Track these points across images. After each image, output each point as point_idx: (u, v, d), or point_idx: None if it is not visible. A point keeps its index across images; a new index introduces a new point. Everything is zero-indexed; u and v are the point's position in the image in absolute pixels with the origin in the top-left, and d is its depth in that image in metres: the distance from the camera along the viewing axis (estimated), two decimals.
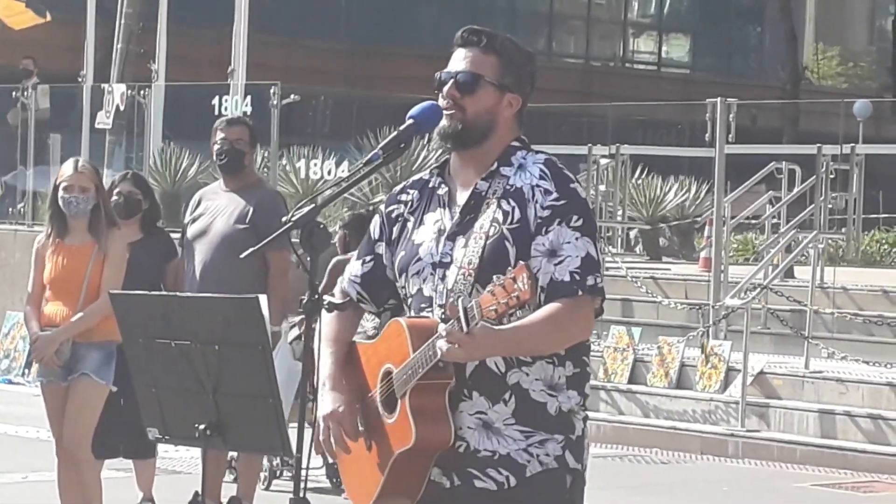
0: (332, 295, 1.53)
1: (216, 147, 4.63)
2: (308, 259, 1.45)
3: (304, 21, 22.82)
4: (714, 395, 7.61)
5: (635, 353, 8.08)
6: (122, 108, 11.69)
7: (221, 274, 4.27)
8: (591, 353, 1.58)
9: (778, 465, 6.91)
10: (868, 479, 6.44)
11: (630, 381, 8.02)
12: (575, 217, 1.33)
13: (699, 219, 11.96)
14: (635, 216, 12.57)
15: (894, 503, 6.31)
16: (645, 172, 12.91)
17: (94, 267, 3.80)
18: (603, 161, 11.75)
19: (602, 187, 11.73)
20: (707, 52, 29.70)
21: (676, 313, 9.07)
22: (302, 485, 1.45)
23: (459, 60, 1.40)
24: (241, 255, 1.82)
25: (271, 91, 10.66)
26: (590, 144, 12.09)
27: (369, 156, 1.47)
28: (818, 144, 10.65)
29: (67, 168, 4.00)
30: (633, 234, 13.40)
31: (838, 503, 6.24)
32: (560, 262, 1.30)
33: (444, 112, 1.38)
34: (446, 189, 1.44)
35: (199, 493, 3.89)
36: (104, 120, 11.96)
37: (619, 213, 12.06)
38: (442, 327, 1.21)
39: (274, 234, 1.57)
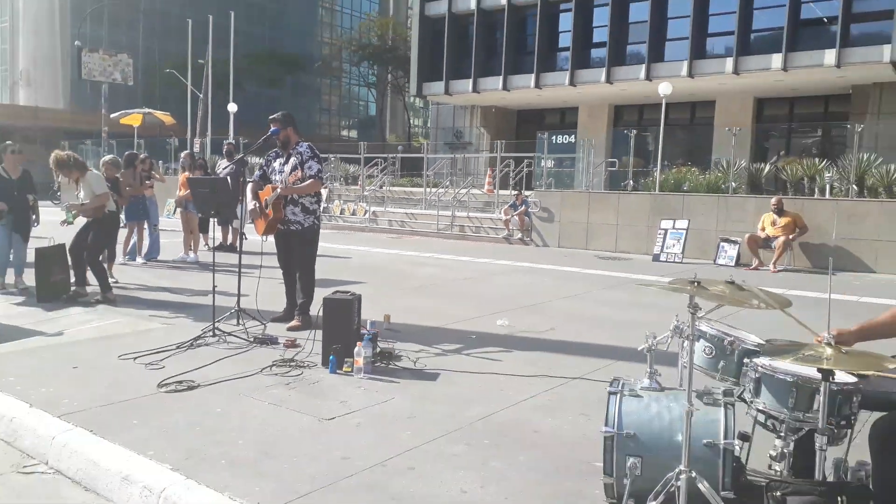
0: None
1: None
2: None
3: None
4: None
5: None
6: None
7: None
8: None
9: None
10: None
11: None
12: (315, 159, 6.25)
13: None
14: None
15: None
16: None
17: None
18: None
19: None
20: None
21: None
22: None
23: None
24: None
25: None
26: None
27: (265, 136, 6.34)
28: None
29: None
30: None
31: None
32: (310, 168, 6.18)
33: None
34: (281, 154, 6.30)
35: None
36: None
37: None
38: (280, 188, 6.08)
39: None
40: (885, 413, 2.46)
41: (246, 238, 7.31)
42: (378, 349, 5.17)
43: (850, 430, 2.64)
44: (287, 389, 4.51)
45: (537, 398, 4.48)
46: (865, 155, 13.42)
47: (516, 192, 16.47)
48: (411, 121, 58.37)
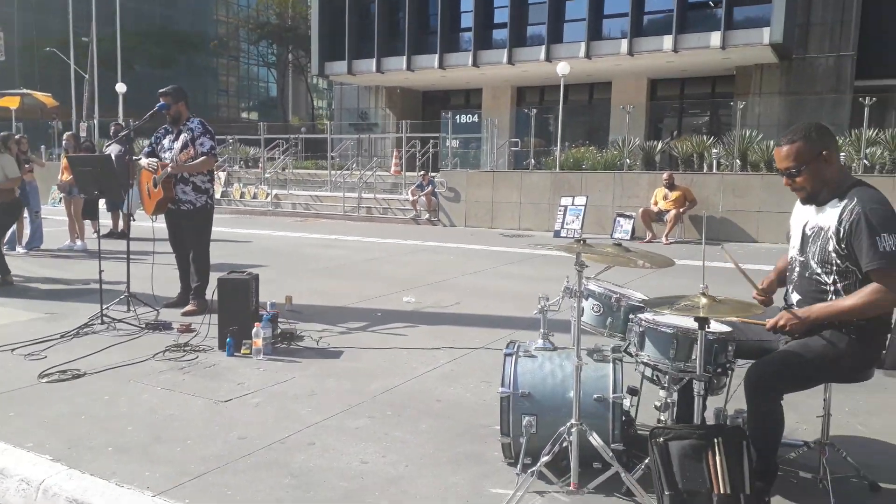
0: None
1: None
2: None
3: None
4: None
5: None
6: None
7: None
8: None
9: None
10: None
11: None
12: (208, 135, 5.94)
13: None
14: None
15: None
16: None
17: None
18: None
19: None
20: None
21: None
22: None
23: None
24: None
25: None
26: None
27: (152, 111, 5.95)
28: None
29: None
30: None
31: None
32: (202, 145, 5.92)
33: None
34: (171, 130, 5.96)
35: None
36: None
37: None
38: (171, 165, 5.80)
39: None
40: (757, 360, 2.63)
41: (134, 219, 6.93)
42: (279, 330, 5.05)
43: (728, 380, 2.81)
44: (181, 374, 4.33)
45: (440, 369, 4.51)
46: (748, 132, 14.27)
47: (423, 173, 16.48)
48: (315, 102, 57.14)
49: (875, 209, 2.45)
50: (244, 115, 65.99)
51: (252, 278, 4.98)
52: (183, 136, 5.92)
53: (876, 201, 2.49)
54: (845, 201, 2.55)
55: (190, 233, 6.04)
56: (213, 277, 5.68)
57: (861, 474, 2.93)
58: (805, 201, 2.67)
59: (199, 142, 5.91)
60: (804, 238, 2.71)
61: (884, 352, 4.57)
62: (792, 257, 2.77)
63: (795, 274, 2.73)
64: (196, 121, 6.01)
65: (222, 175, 19.77)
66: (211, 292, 5.35)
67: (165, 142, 6.05)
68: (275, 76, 57.48)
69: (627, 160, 14.44)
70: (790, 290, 2.75)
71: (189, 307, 5.93)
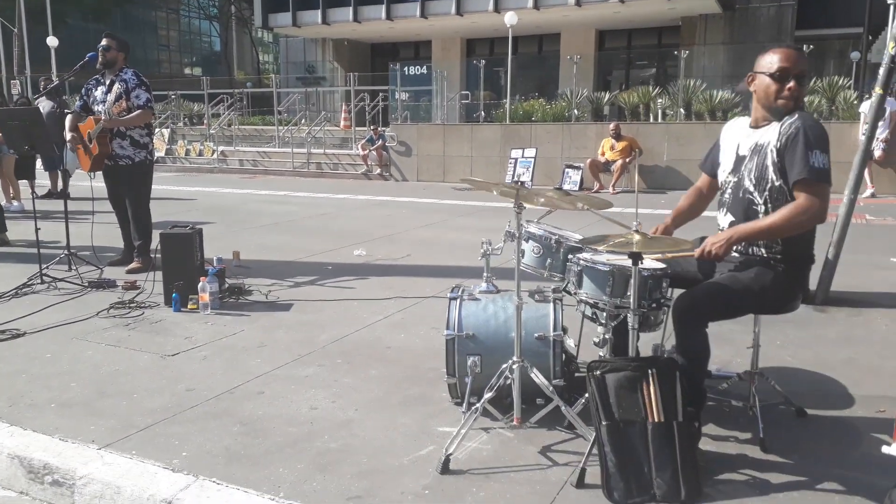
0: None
1: None
2: None
3: None
4: None
5: None
6: None
7: None
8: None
9: None
10: None
11: None
12: (143, 87, 5.71)
13: None
14: None
15: None
16: None
17: None
18: None
19: None
20: None
21: None
22: None
23: None
24: None
25: None
26: None
27: (83, 62, 5.66)
28: None
29: None
30: None
31: None
32: (138, 97, 5.69)
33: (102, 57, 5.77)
34: (104, 80, 5.72)
35: None
36: None
37: None
38: (104, 120, 5.60)
39: None
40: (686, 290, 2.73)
41: (71, 175, 6.70)
42: (226, 285, 5.00)
43: (665, 317, 2.91)
44: (126, 330, 4.27)
45: (391, 318, 4.55)
46: (692, 82, 14.47)
47: (373, 127, 16.27)
48: (260, 56, 55.41)
49: (813, 127, 2.53)
50: (187, 70, 63.59)
51: (196, 232, 4.89)
52: (116, 87, 5.69)
53: (815, 121, 2.57)
54: (787, 118, 2.61)
55: (129, 189, 5.87)
56: (157, 234, 5.58)
57: (788, 401, 3.11)
58: (779, 114, 2.64)
59: (134, 94, 5.70)
60: (738, 158, 2.78)
61: (813, 289, 4.79)
62: (723, 181, 2.85)
63: (727, 196, 2.81)
64: (130, 72, 5.78)
65: (166, 132, 19.15)
66: (154, 248, 5.24)
67: (97, 93, 5.81)
68: (218, 30, 55.38)
69: (576, 111, 14.52)
70: (723, 213, 2.82)
71: (133, 264, 5.80)
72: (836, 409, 3.14)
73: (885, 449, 2.10)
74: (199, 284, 4.61)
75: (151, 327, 4.33)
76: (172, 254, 4.77)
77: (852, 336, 4.19)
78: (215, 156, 18.04)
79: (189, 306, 4.65)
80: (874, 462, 2.46)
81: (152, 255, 5.61)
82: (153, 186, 6.08)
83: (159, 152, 18.60)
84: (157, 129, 19.20)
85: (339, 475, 2.53)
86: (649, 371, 2.46)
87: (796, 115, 2.59)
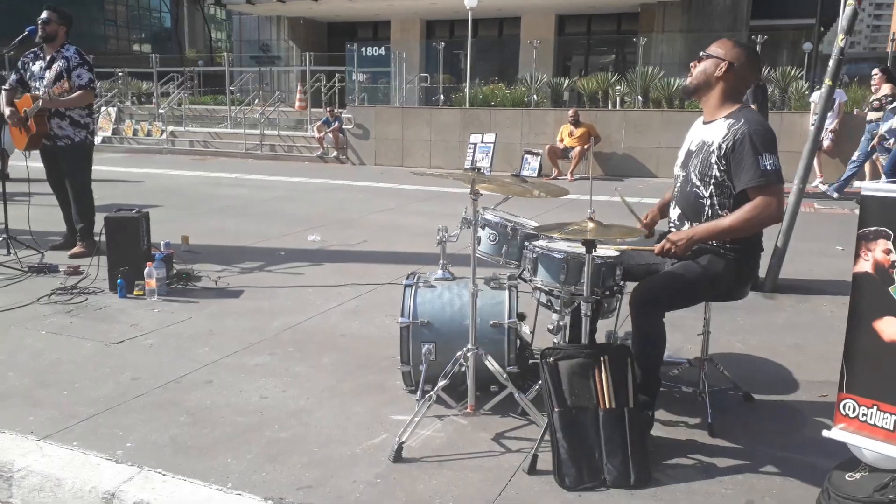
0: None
1: None
2: None
3: None
4: None
5: None
6: None
7: None
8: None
9: None
10: None
11: None
12: (85, 66, 5.53)
13: None
14: None
15: None
16: None
17: None
18: None
19: None
20: None
21: None
22: None
23: None
24: None
25: None
26: None
27: (22, 36, 5.49)
28: None
29: None
30: None
31: None
32: (79, 77, 5.47)
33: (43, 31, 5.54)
34: (43, 55, 5.57)
35: None
36: None
37: None
38: (42, 99, 5.41)
39: None
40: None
41: (10, 155, 6.41)
42: (174, 270, 4.86)
43: (619, 304, 2.93)
44: (68, 317, 4.11)
45: (345, 305, 4.49)
46: (650, 69, 14.62)
47: (329, 109, 16.01)
48: (213, 34, 54.01)
49: (758, 131, 2.58)
50: (135, 47, 61.55)
51: (142, 216, 4.73)
52: (57, 65, 5.44)
53: (760, 124, 2.62)
54: (731, 120, 2.66)
55: (69, 171, 5.63)
56: (102, 217, 5.39)
57: (736, 387, 3.17)
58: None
59: (75, 73, 5.46)
60: (688, 154, 2.83)
61: (762, 277, 4.89)
62: (676, 175, 2.89)
63: (677, 189, 2.85)
64: (72, 49, 5.54)
65: (112, 111, 18.53)
66: (98, 232, 5.06)
67: (35, 68, 5.55)
68: (168, 5, 53.72)
69: (535, 97, 14.54)
70: (672, 206, 2.87)
71: (77, 248, 5.60)
72: (781, 393, 3.21)
73: (825, 432, 2.15)
74: (146, 270, 4.46)
75: (95, 314, 4.18)
76: (118, 238, 4.61)
77: (799, 322, 4.30)
78: (164, 136, 17.53)
79: (135, 292, 4.50)
80: (816, 444, 2.52)
81: (96, 239, 5.41)
82: (99, 167, 5.87)
83: (105, 132, 17.99)
84: (103, 108, 18.55)
85: (289, 465, 2.48)
86: (601, 358, 2.47)
87: (742, 119, 2.64)
